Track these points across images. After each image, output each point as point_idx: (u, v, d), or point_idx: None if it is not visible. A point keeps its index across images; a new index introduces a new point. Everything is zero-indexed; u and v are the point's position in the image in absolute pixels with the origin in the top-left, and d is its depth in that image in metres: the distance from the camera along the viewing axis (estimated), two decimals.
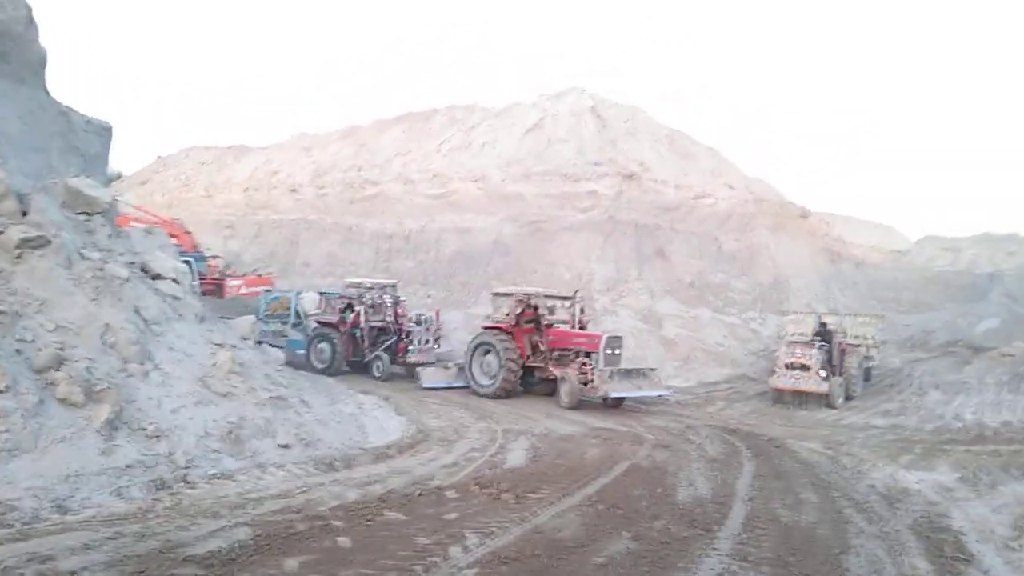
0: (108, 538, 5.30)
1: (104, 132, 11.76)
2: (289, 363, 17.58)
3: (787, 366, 19.37)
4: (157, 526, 5.68)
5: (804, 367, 19.07)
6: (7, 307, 6.70)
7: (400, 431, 11.39)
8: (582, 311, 19.16)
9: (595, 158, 32.57)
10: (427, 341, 20.49)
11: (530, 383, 18.42)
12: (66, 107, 11.09)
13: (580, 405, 16.46)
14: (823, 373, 19.00)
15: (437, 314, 22.00)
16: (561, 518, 6.97)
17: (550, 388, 17.76)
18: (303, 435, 8.76)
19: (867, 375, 23.24)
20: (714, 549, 6.34)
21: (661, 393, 17.25)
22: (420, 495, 7.42)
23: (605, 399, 16.56)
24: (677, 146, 38.37)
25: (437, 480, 8.28)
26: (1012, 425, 15.93)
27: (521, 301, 18.21)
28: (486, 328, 18.52)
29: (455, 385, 18.75)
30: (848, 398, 19.97)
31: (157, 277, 9.02)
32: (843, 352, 20.86)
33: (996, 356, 29.78)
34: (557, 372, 17.06)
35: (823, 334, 20.99)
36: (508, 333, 17.81)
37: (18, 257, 7.38)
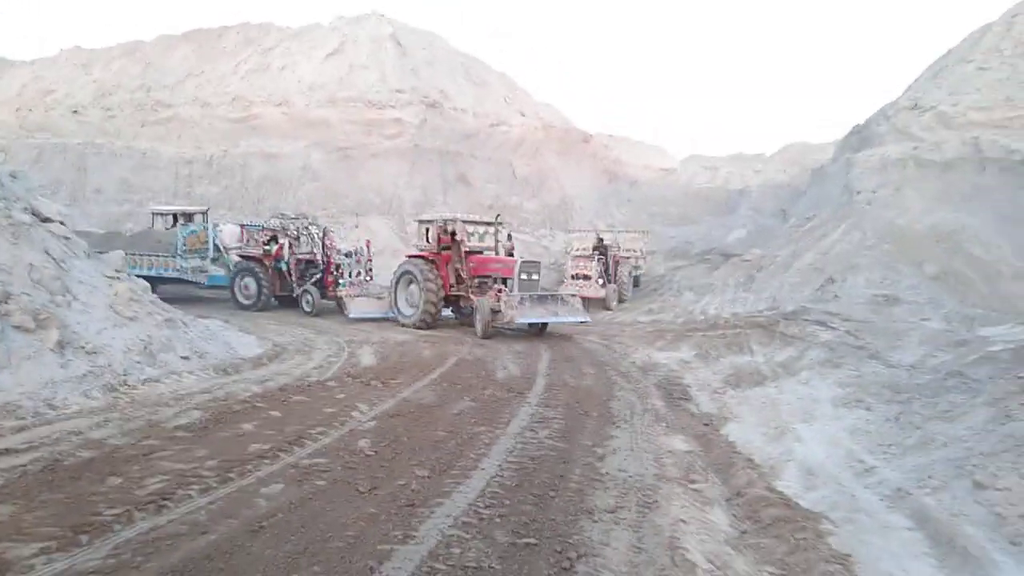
0: (106, 420, 7.01)
1: None
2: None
3: (572, 277, 23.18)
4: (131, 413, 7.44)
5: (586, 277, 22.96)
6: None
7: (259, 346, 13.21)
8: (509, 237, 18.66)
9: (397, 86, 34.10)
10: (358, 273, 19.69)
11: (464, 313, 17.76)
12: None
13: (499, 335, 15.95)
14: (600, 282, 22.95)
15: (368, 245, 21.14)
16: (419, 392, 9.47)
17: None
18: (195, 349, 10.47)
19: (636, 281, 27.80)
20: (527, 402, 9.16)
21: (580, 319, 16.25)
22: (309, 386, 9.56)
23: (511, 325, 15.61)
24: (472, 74, 40.65)
25: (314, 377, 10.41)
26: (739, 316, 20.48)
27: (440, 228, 17.49)
28: (410, 257, 17.79)
29: (384, 316, 18.20)
30: (620, 301, 24.19)
31: (47, 220, 10.12)
32: (617, 263, 24.98)
33: (738, 261, 35.56)
34: (474, 300, 16.24)
35: (601, 248, 24.95)
36: (431, 262, 17.06)
37: None
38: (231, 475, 5.52)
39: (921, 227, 24.49)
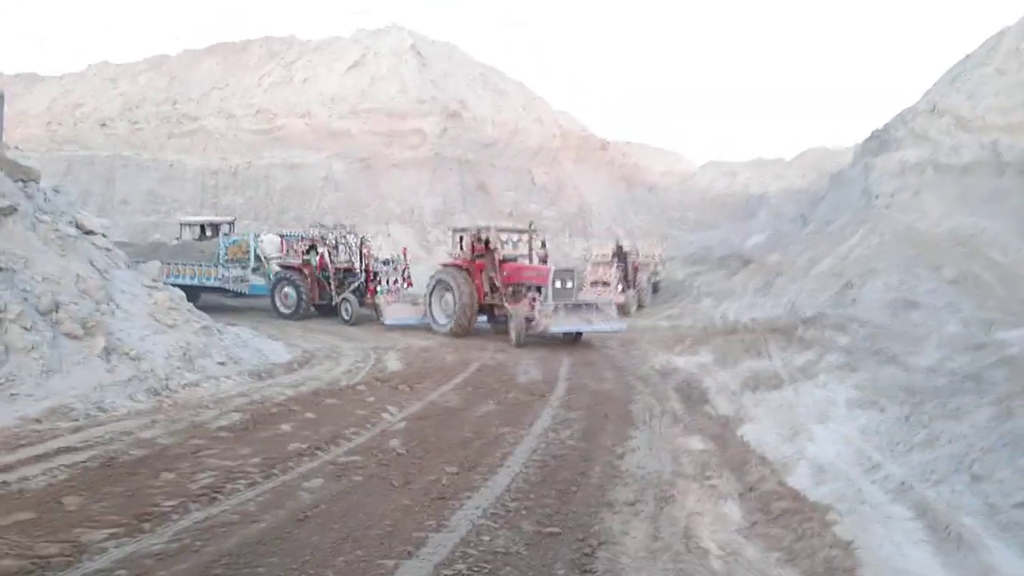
0: (153, 422, 7.45)
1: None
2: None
3: (592, 283, 23.49)
4: (176, 415, 7.87)
5: (605, 283, 23.26)
6: (4, 263, 8.32)
7: (288, 353, 13.65)
8: (543, 245, 18.56)
9: (418, 96, 34.69)
10: (395, 281, 19.81)
11: (499, 321, 17.37)
12: None
13: (526, 342, 15.60)
14: (620, 287, 23.25)
15: (404, 253, 21.28)
16: (444, 396, 9.84)
17: None
18: (230, 355, 10.93)
19: (655, 287, 28.08)
20: (548, 405, 9.49)
21: (614, 327, 16.03)
22: (340, 390, 9.96)
23: (544, 334, 15.50)
24: (491, 83, 41.22)
25: (344, 381, 10.82)
26: (758, 320, 20.69)
27: (474, 236, 17.50)
28: (445, 265, 17.78)
29: (419, 323, 18.16)
30: (640, 307, 24.46)
31: (90, 232, 10.62)
32: (636, 269, 25.28)
33: (757, 267, 35.65)
34: (509, 308, 16.13)
35: (620, 255, 25.25)
36: (465, 270, 17.06)
37: None
38: (274, 471, 5.92)
39: (940, 231, 24.56)
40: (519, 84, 45.24)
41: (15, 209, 9.06)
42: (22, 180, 10.01)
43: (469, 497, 5.45)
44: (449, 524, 4.88)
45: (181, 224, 26.76)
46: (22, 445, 6.27)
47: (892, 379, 11.60)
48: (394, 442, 7.09)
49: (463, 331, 16.69)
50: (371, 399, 9.36)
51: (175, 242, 25.07)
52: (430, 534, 4.69)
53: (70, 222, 10.15)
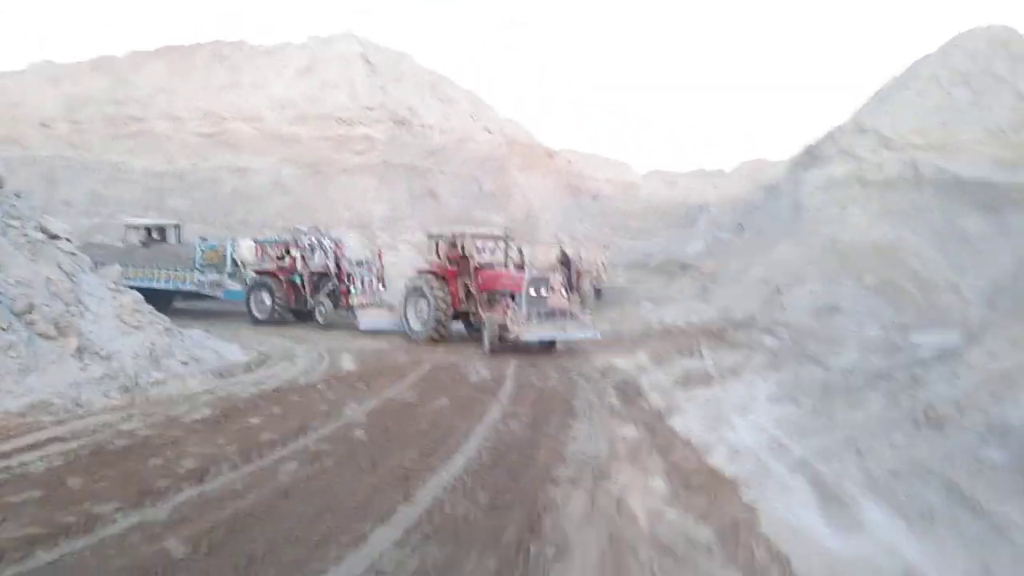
0: (130, 416, 7.90)
1: None
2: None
3: None
4: (149, 410, 8.33)
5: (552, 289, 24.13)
6: None
7: (244, 354, 14.07)
8: (520, 252, 18.29)
9: (367, 103, 35.15)
10: (370, 282, 19.56)
11: (475, 328, 17.04)
12: None
13: (499, 349, 15.41)
14: (564, 293, 24.16)
15: (379, 255, 21.05)
16: (400, 393, 10.50)
17: None
18: (192, 355, 11.36)
19: (598, 294, 29.10)
20: (498, 400, 10.23)
21: (588, 335, 16.06)
22: (301, 388, 10.54)
23: (517, 342, 15.39)
24: (439, 91, 41.85)
25: (302, 380, 11.38)
26: (693, 324, 21.86)
27: (449, 243, 17.44)
28: (420, 272, 17.49)
29: (396, 328, 17.92)
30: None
31: (55, 237, 10.97)
32: (579, 275, 26.25)
33: (695, 274, 37.04)
34: (483, 315, 16.04)
35: (564, 261, 26.19)
36: (440, 277, 16.90)
37: None
38: (252, 457, 6.55)
39: (863, 242, 26.16)
40: (468, 92, 45.96)
41: None
42: None
43: (431, 477, 6.18)
44: (414, 498, 5.60)
45: (126, 227, 26.60)
46: (12, 436, 6.75)
47: (812, 377, 12.72)
48: (358, 432, 7.77)
49: (438, 338, 16.64)
50: (331, 396, 10.00)
51: (123, 244, 24.99)
52: (399, 506, 5.41)
53: (36, 227, 10.52)
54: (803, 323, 19.73)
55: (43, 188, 36.70)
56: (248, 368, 12.37)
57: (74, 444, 6.61)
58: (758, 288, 23.81)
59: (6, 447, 6.36)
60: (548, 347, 16.24)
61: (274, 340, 16.91)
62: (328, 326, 19.59)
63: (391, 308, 18.57)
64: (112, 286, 11.32)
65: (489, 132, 41.01)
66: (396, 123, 34.27)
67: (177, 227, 26.62)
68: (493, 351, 15.32)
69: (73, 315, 9.53)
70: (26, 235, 9.93)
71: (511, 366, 13.89)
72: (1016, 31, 31.36)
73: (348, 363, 13.67)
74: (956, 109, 29.29)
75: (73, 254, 11.07)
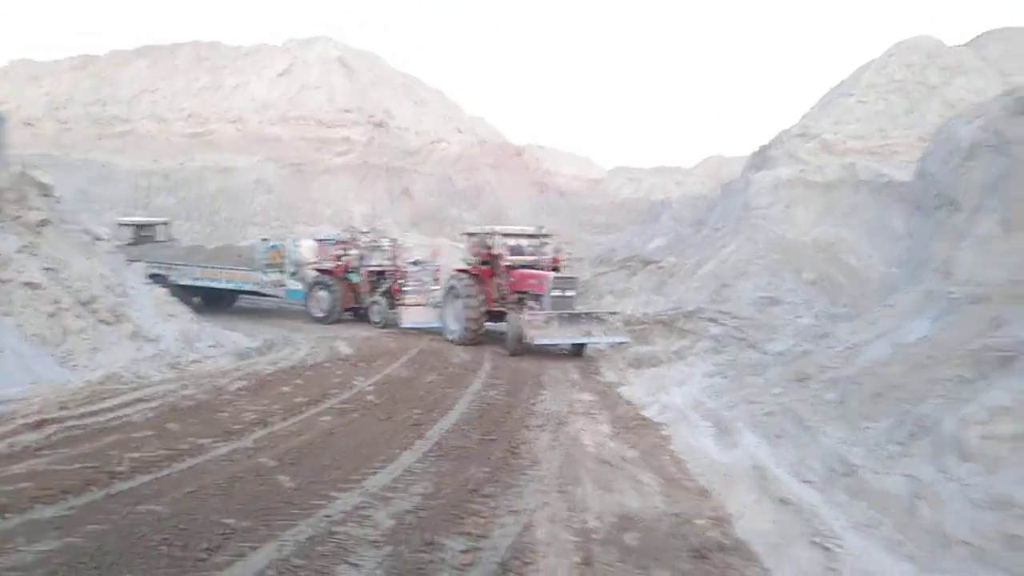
0: (184, 385, 9.77)
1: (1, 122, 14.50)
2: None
3: None
4: (197, 381, 10.16)
5: None
6: (51, 264, 10.47)
7: (251, 341, 15.97)
8: (557, 250, 17.40)
9: (345, 106, 36.86)
10: (425, 282, 19.65)
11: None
12: None
13: (524, 351, 14.97)
14: None
15: (435, 254, 21.29)
16: (396, 371, 12.50)
17: None
18: (216, 340, 13.25)
19: None
20: (479, 376, 12.27)
21: (618, 339, 15.46)
22: (311, 367, 12.46)
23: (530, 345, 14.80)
24: (412, 93, 43.66)
25: (310, 361, 13.30)
26: (648, 315, 24.07)
27: (480, 241, 17.00)
28: (458, 271, 17.14)
29: (437, 326, 17.71)
30: None
31: (98, 239, 12.72)
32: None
33: (654, 268, 39.25)
34: (508, 316, 15.44)
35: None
36: (474, 276, 16.55)
37: (38, 233, 10.89)
38: (295, 412, 8.54)
39: (805, 239, 28.65)
40: (437, 92, 47.81)
41: (49, 221, 11.25)
42: (44, 195, 12.13)
43: (433, 424, 8.23)
44: (425, 436, 7.66)
45: (118, 224, 28.03)
46: (105, 398, 8.66)
47: (747, 360, 14.93)
48: (370, 397, 9.79)
49: (470, 339, 16.32)
50: (339, 372, 11.98)
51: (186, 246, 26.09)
52: (415, 441, 7.46)
53: (83, 230, 12.33)
54: (745, 313, 22.00)
55: None
56: (261, 352, 14.27)
57: (154, 404, 8.54)
58: (708, 282, 26.10)
59: (106, 404, 8.28)
60: (577, 351, 15.87)
61: (273, 330, 18.70)
62: (336, 321, 20.87)
63: (436, 307, 18.27)
64: (147, 281, 13.17)
65: (460, 132, 42.96)
66: (374, 125, 36.08)
67: (166, 224, 28.12)
68: (514, 354, 14.94)
69: (124, 305, 11.39)
70: (80, 237, 11.75)
71: (487, 351, 15.96)
72: (946, 43, 34.13)
73: (345, 348, 15.60)
74: (892, 115, 31.96)
75: (112, 253, 12.90)
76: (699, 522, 5.24)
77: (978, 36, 38.65)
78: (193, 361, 11.50)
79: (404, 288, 19.58)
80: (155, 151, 37.38)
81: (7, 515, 4.80)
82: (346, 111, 36.34)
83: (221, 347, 13.13)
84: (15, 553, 4.27)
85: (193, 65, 41.57)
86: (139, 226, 27.57)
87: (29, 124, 39.79)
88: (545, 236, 17.40)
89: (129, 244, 26.08)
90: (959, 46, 35.81)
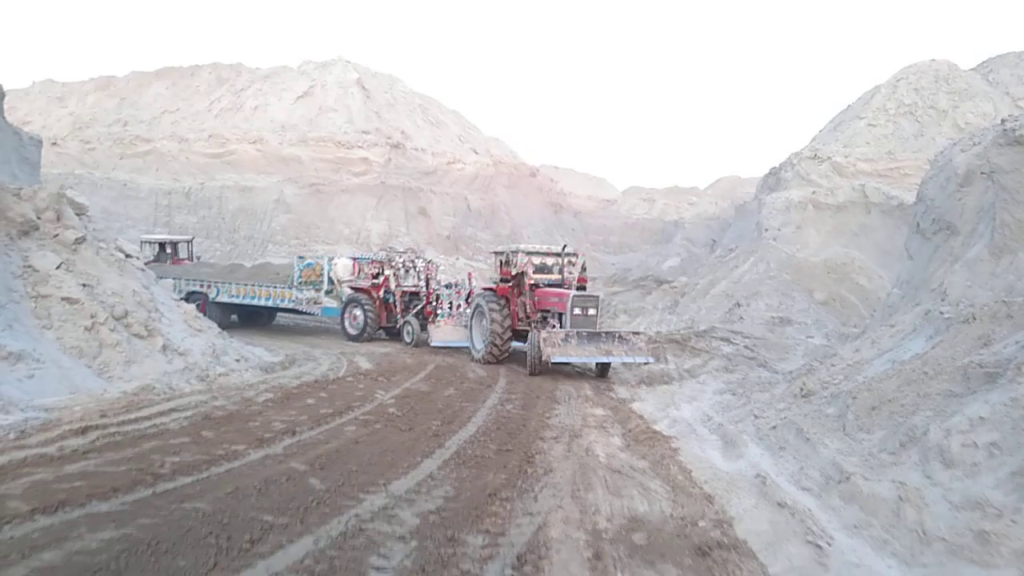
0: (215, 396, 10.25)
1: (37, 143, 15.18)
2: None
3: None
4: (226, 393, 10.65)
5: None
6: (87, 280, 11.03)
7: (273, 356, 16.50)
8: (583, 268, 17.21)
9: (363, 127, 37.62)
10: (458, 305, 19.69)
11: None
12: (15, 127, 14.39)
13: (544, 371, 14.93)
14: None
15: (469, 277, 21.55)
16: (415, 385, 12.95)
17: None
18: (240, 354, 13.75)
19: None
20: (494, 391, 12.70)
21: (640, 359, 15.04)
22: (334, 380, 12.93)
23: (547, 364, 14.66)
24: (429, 114, 44.44)
25: (332, 375, 13.77)
26: (662, 334, 24.45)
27: (504, 260, 17.03)
28: (485, 289, 17.32)
29: (463, 345, 17.94)
30: None
31: (128, 256, 13.30)
32: None
33: (668, 288, 39.67)
34: (530, 335, 15.26)
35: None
36: (500, 295, 16.61)
37: (74, 250, 11.48)
38: (321, 423, 8.98)
39: (816, 260, 28.99)
40: (454, 113, 48.57)
41: (85, 239, 11.81)
42: (79, 214, 12.72)
43: (453, 435, 8.65)
44: (445, 445, 8.07)
45: (142, 242, 28.76)
46: (142, 407, 9.13)
47: (757, 378, 15.25)
48: (392, 409, 10.22)
49: (493, 358, 16.33)
50: (361, 386, 12.43)
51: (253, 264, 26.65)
52: (436, 450, 7.87)
53: (116, 247, 12.90)
54: (757, 333, 22.34)
55: None
56: (284, 366, 14.73)
57: (188, 413, 9.01)
58: (721, 302, 26.44)
59: (143, 413, 8.75)
60: (602, 371, 15.68)
61: (292, 345, 19.21)
62: (330, 333, 21.82)
63: (465, 326, 18.22)
64: (175, 297, 13.71)
65: (476, 153, 43.60)
66: (391, 147, 36.76)
67: (189, 242, 28.81)
68: (533, 373, 14.92)
69: (155, 320, 11.91)
70: (113, 255, 12.31)
71: (502, 368, 16.38)
72: (957, 66, 34.50)
73: (365, 363, 16.06)
74: (902, 138, 32.30)
75: (142, 270, 13.46)
76: (702, 524, 5.63)
77: (987, 60, 39.06)
78: (221, 374, 11.97)
79: (438, 313, 19.69)
80: (176, 170, 38.25)
81: (68, 508, 5.26)
82: (364, 132, 37.07)
83: (246, 361, 13.61)
84: (80, 540, 4.72)
85: (213, 87, 42.56)
86: (163, 244, 28.24)
87: (54, 144, 40.74)
88: (571, 255, 17.22)
89: (152, 261, 26.82)
90: (968, 70, 36.20)
